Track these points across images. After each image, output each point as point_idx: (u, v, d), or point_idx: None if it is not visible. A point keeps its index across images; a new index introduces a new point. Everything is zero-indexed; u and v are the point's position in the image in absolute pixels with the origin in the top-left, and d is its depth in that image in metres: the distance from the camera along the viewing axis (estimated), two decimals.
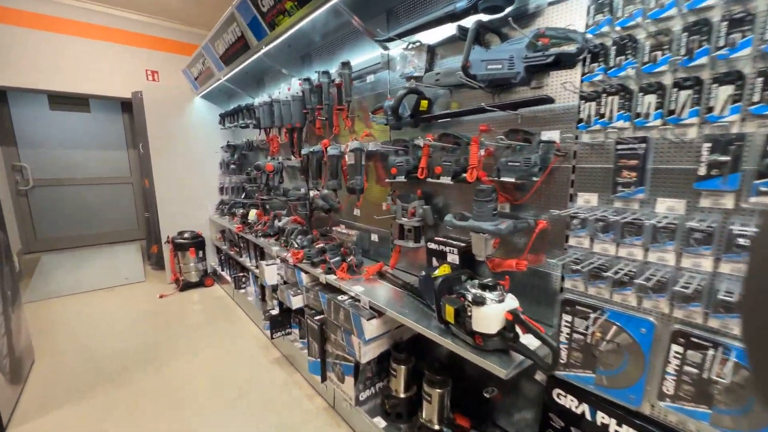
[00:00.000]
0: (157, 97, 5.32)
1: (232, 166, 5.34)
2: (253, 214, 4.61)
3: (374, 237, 3.12)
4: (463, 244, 2.18)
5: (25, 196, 6.41)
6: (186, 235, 5.43)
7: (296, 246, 3.33)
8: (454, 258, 2.20)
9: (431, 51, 2.30)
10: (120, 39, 6.03)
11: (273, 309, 3.65)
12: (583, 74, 1.60)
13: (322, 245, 3.04)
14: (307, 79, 3.20)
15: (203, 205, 5.92)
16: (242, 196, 5.21)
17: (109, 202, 7.25)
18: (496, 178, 1.91)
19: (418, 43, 2.33)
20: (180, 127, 5.56)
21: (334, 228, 3.42)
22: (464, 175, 2.08)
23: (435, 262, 2.33)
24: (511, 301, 1.67)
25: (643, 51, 1.39)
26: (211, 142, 5.83)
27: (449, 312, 1.75)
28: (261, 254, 4.31)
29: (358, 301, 2.47)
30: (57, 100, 6.48)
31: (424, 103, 2.26)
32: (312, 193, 3.68)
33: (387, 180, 2.59)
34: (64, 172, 6.77)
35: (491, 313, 1.61)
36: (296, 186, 4.20)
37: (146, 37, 6.25)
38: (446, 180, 2.19)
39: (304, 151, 3.37)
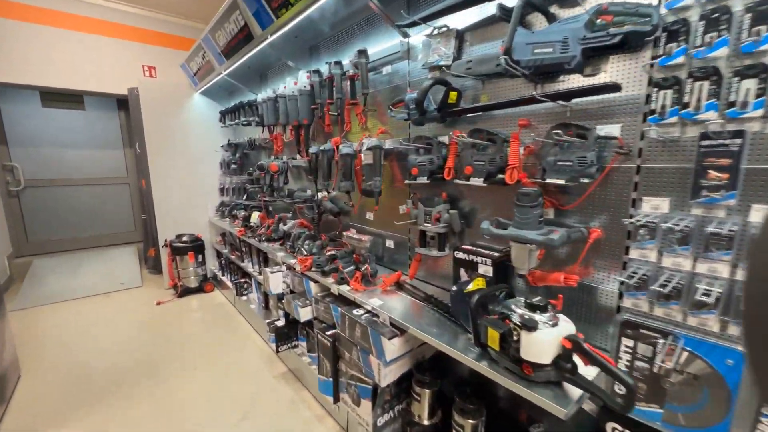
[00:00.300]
0: (154, 93, 5.06)
1: (233, 166, 5.09)
2: (255, 216, 4.36)
3: (389, 243, 2.89)
4: (496, 254, 1.94)
5: (16, 197, 6.17)
6: (185, 239, 5.18)
7: (304, 252, 3.09)
8: (486, 270, 1.96)
9: (460, 37, 2.06)
10: (116, 33, 5.80)
11: (278, 320, 3.40)
12: (654, 57, 1.35)
13: (333, 252, 2.79)
14: (317, 71, 2.95)
15: (203, 207, 5.67)
16: (244, 198, 4.97)
17: (105, 203, 7.02)
18: (540, 180, 1.67)
19: (444, 29, 2.09)
20: (178, 124, 5.32)
21: (344, 233, 3.17)
22: (500, 176, 1.85)
23: (463, 274, 2.08)
24: (566, 325, 1.43)
25: (740, 26, 1.15)
26: (211, 141, 5.58)
27: (493, 337, 1.50)
28: (264, 260, 4.07)
29: (377, 316, 2.22)
30: (49, 96, 6.24)
31: (452, 95, 2.01)
32: (320, 195, 3.44)
33: (406, 182, 2.36)
34: (58, 172, 6.53)
35: (545, 340, 1.37)
36: (302, 187, 3.96)
37: (143, 31, 6.01)
38: (477, 181, 1.95)
39: (312, 150, 3.12)
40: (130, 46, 5.92)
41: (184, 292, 5.22)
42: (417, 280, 2.58)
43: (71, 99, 6.39)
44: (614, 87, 1.41)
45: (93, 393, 3.08)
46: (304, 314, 2.90)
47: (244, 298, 4.58)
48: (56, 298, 5.06)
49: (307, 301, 2.94)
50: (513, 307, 1.53)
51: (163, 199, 5.30)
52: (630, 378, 1.22)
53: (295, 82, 3.27)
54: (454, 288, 1.90)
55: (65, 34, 5.42)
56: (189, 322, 4.42)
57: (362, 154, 2.38)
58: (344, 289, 2.51)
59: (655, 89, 1.33)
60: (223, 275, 5.40)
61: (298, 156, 3.82)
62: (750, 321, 0.63)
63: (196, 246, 5.21)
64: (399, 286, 2.52)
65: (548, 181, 1.63)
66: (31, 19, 5.15)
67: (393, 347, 2.04)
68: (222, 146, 5.44)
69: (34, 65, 5.23)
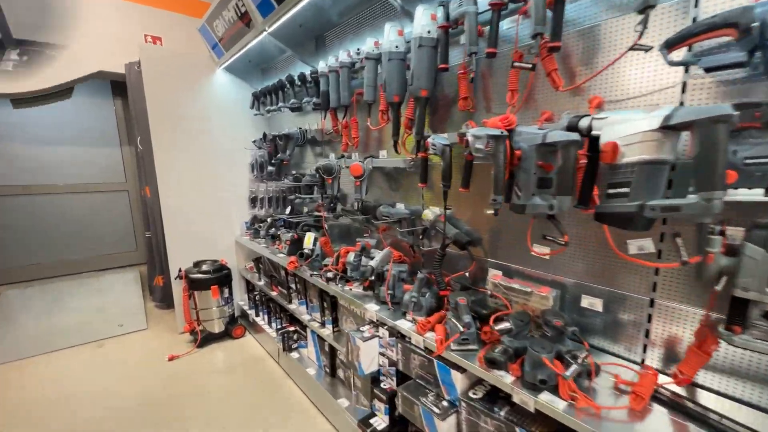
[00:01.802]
0: (161, 68, 4.04)
1: (270, 168, 4.02)
2: (310, 240, 3.28)
3: (588, 302, 1.79)
4: None
5: None
6: (205, 267, 4.15)
7: (423, 310, 2.05)
8: None
9: None
10: None
11: (373, 415, 2.32)
12: None
13: (506, 325, 1.69)
14: None
15: (227, 223, 4.68)
16: (287, 212, 3.91)
17: (97, 216, 6.22)
18: None
19: None
20: (194, 112, 4.30)
21: (493, 281, 2.06)
22: None
23: None
24: None
25: None
26: (239, 134, 4.57)
27: None
28: (332, 306, 3.00)
29: None
30: None
31: None
32: (431, 213, 2.36)
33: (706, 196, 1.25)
34: (35, 177, 5.70)
35: None
36: (381, 200, 2.94)
37: None
38: None
39: (436, 140, 2.03)
40: (129, 9, 4.92)
41: (206, 339, 4.20)
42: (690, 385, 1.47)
43: None
44: None
45: None
46: (445, 430, 1.80)
47: (295, 355, 3.53)
48: (28, 351, 4.05)
49: (446, 404, 1.85)
50: None
51: (175, 212, 4.30)
52: None
53: (400, 31, 2.22)
54: None
55: None
56: (217, 391, 3.37)
57: (621, 143, 1.24)
58: (556, 404, 1.40)
59: None
60: (257, 315, 4.37)
61: (382, 152, 2.81)
62: None
63: (221, 277, 4.19)
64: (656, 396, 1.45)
65: None
66: None
67: None
68: (254, 142, 4.38)
69: None
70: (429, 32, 2.02)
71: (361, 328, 2.42)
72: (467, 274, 2.28)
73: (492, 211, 1.64)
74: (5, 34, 4.41)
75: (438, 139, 2.04)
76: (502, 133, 1.57)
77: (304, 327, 3.47)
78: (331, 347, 3.09)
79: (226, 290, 4.27)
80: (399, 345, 2.15)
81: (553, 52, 1.57)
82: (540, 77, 1.77)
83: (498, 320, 1.75)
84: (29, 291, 5.29)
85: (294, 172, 3.85)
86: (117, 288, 5.54)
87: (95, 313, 4.92)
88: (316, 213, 3.49)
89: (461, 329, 1.77)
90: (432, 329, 1.99)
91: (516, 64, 1.68)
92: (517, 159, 1.57)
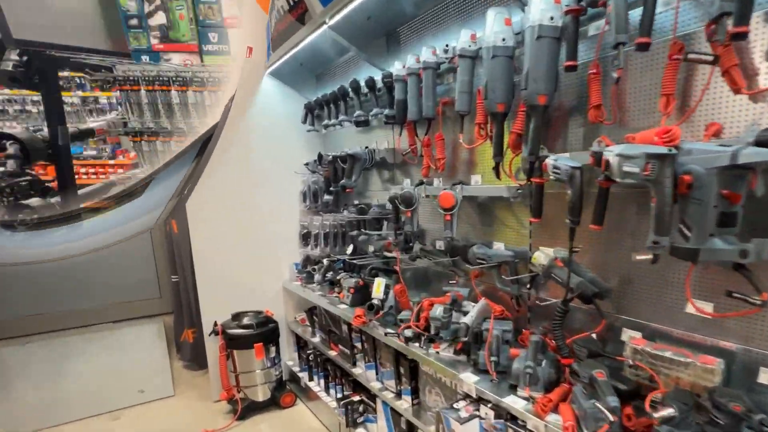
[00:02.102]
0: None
1: (327, 197, 4.12)
2: (380, 287, 3.31)
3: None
4: None
5: None
6: (246, 321, 4.35)
7: (540, 385, 2.05)
8: None
9: None
10: None
11: None
12: None
13: (669, 411, 1.62)
14: None
15: (273, 265, 4.86)
16: (348, 251, 3.96)
17: (112, 256, 6.35)
18: None
19: None
20: (233, 126, 4.51)
21: (634, 346, 1.97)
22: None
23: None
24: None
25: None
26: (288, 155, 4.77)
27: None
28: (411, 372, 2.99)
29: None
30: None
31: None
32: (543, 256, 2.31)
33: None
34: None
35: None
36: (467, 237, 3.02)
37: None
38: None
39: (561, 162, 1.99)
40: None
41: (248, 409, 4.35)
42: None
43: None
44: None
45: None
46: None
47: (361, 431, 3.60)
48: (27, 425, 4.39)
49: None
50: None
51: (208, 252, 4.55)
52: None
53: (507, 20, 2.22)
54: None
55: None
56: None
57: None
58: None
59: None
60: (310, 379, 4.53)
61: (475, 178, 2.85)
62: None
63: (267, 332, 4.37)
64: None
65: None
66: None
67: None
68: (307, 164, 4.55)
69: None
70: (552, 18, 1.98)
71: (455, 405, 2.41)
72: (595, 335, 2.19)
73: (649, 257, 1.58)
74: None
75: (563, 161, 2.00)
76: (670, 151, 1.51)
77: (372, 397, 3.53)
78: (410, 424, 3.11)
79: (273, 348, 4.43)
80: (509, 430, 2.12)
81: (736, 41, 1.48)
82: (701, 77, 1.70)
83: (653, 403, 1.66)
84: (29, 348, 5.49)
85: (357, 202, 3.93)
86: (137, 344, 5.73)
87: (110, 376, 5.12)
88: (387, 253, 3.49)
89: (610, 418, 1.67)
90: (555, 409, 1.93)
91: (691, 55, 1.60)
92: (685, 186, 1.50)
